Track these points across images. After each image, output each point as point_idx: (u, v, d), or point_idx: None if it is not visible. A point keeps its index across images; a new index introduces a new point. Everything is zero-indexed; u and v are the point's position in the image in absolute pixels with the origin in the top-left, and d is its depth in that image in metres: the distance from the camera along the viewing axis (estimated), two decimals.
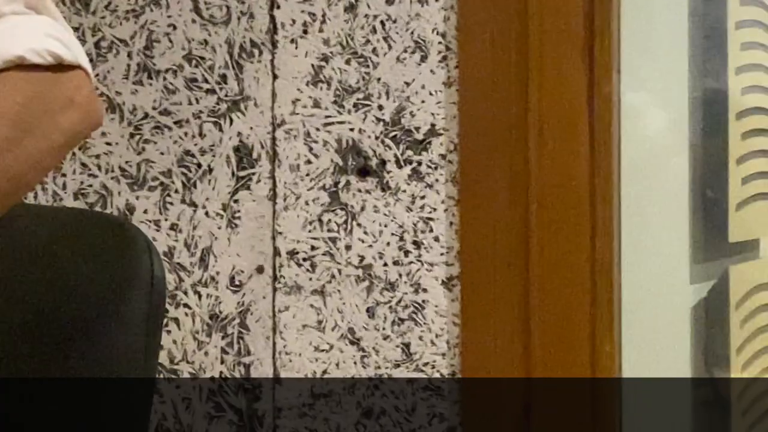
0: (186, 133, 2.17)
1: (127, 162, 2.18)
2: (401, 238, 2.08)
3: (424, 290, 2.09)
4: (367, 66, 2.09)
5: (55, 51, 1.26)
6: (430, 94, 2.08)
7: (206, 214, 2.16)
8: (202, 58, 2.17)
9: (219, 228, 2.15)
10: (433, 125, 2.08)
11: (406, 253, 2.08)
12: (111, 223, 1.66)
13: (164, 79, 2.19)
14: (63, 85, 1.27)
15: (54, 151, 1.28)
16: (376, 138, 2.09)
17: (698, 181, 2.38)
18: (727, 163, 2.39)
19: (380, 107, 2.08)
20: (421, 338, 2.09)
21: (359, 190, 2.10)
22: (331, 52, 2.11)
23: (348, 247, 2.10)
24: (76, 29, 2.22)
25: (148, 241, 1.55)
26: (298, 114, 2.12)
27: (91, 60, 2.23)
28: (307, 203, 2.12)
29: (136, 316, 1.52)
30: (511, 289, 2.04)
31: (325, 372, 2.11)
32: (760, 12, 2.44)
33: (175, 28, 2.18)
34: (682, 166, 2.36)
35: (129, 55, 2.21)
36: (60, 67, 1.26)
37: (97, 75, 2.15)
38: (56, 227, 1.53)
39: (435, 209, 2.09)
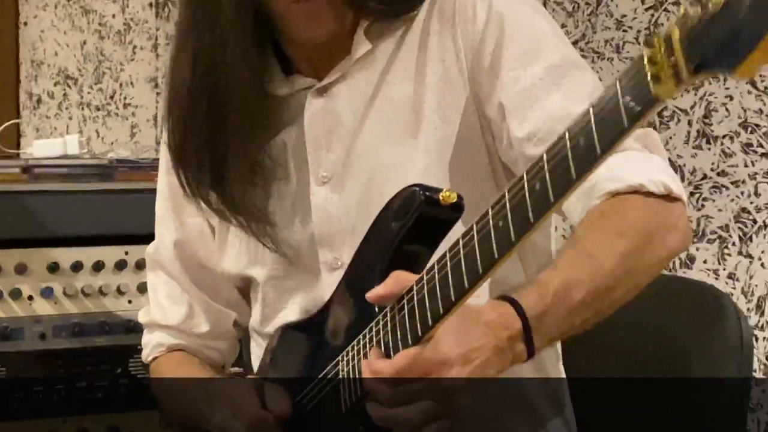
0: (742, 193, 2.10)
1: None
2: None
3: None
4: None
5: (667, 184, 1.28)
6: None
7: (762, 265, 2.08)
8: (757, 125, 2.09)
9: None
10: None
11: None
12: (697, 289, 1.66)
13: (722, 144, 2.14)
14: (670, 211, 1.29)
15: (659, 263, 1.29)
16: None
17: None
18: None
19: None
20: None
21: None
22: None
23: None
24: None
25: (738, 309, 1.52)
26: None
27: (654, 127, 2.24)
28: None
29: (726, 384, 1.51)
30: None
31: None
32: None
33: (731, 99, 2.14)
34: None
35: (689, 122, 2.17)
36: (668, 197, 1.29)
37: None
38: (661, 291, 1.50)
39: None
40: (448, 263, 1.16)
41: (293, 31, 1.42)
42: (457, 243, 1.16)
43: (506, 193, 1.10)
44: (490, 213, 1.12)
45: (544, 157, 1.06)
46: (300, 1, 1.39)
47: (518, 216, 1.09)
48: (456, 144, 1.41)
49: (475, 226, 1.14)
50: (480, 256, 1.13)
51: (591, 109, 1.01)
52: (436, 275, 1.17)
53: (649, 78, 0.94)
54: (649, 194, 1.28)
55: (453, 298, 1.16)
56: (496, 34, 1.39)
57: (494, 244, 1.11)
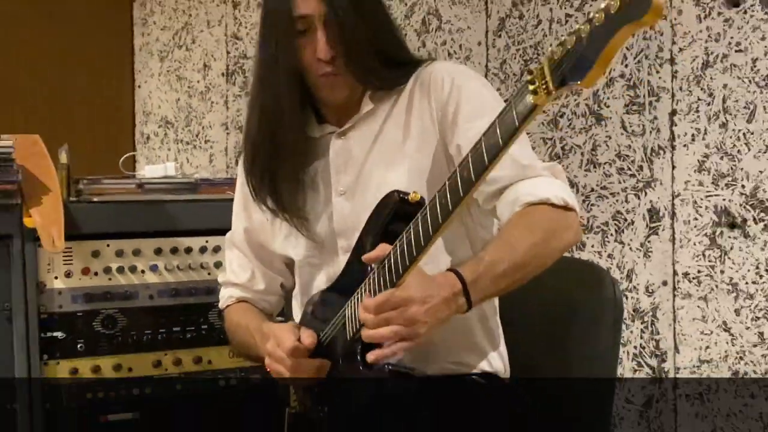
0: (617, 201, 2.15)
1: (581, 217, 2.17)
2: (757, 267, 1.96)
3: None
4: (734, 161, 1.98)
5: (566, 199, 1.33)
6: None
7: (630, 249, 2.13)
8: (627, 155, 2.14)
9: (638, 257, 2.11)
10: None
11: (761, 276, 1.96)
12: (586, 265, 1.70)
13: (603, 168, 2.18)
14: (568, 217, 1.33)
15: (558, 251, 1.33)
16: (740, 205, 1.98)
17: None
18: None
19: (743, 186, 1.98)
20: None
21: (729, 237, 1.99)
22: (707, 154, 2.01)
23: (722, 272, 2.00)
24: (549, 139, 2.24)
25: (613, 279, 1.55)
26: (688, 190, 2.04)
27: (558, 158, 2.26)
28: (695, 244, 2.03)
29: (606, 328, 1.52)
30: None
31: (707, 348, 2.02)
32: None
33: (610, 138, 2.16)
34: None
35: (582, 154, 2.21)
36: (566, 208, 1.33)
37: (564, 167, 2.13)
38: (562, 267, 1.46)
39: None
40: (411, 231, 1.22)
41: (322, 95, 1.47)
42: (417, 217, 1.21)
43: (446, 181, 1.17)
44: (436, 195, 1.18)
45: (469, 154, 1.13)
46: (325, 76, 1.43)
47: (453, 192, 1.14)
48: (429, 171, 1.44)
49: (427, 204, 1.19)
50: (430, 222, 1.19)
51: (496, 119, 1.09)
52: (404, 241, 1.23)
53: (529, 93, 1.04)
54: (553, 205, 1.32)
55: (414, 254, 1.20)
56: (456, 99, 1.43)
57: (438, 213, 1.17)
